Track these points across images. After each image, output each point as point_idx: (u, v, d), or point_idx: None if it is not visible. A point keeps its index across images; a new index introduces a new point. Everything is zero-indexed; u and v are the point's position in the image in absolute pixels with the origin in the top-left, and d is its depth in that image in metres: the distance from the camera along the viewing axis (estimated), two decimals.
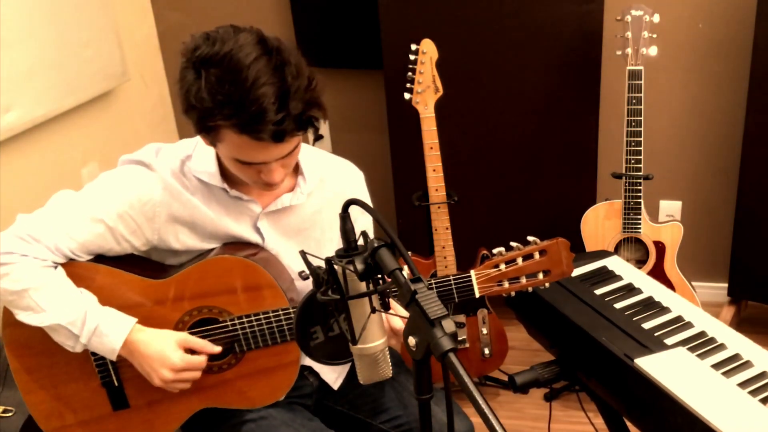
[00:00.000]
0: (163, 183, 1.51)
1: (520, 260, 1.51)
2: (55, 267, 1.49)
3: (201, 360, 1.51)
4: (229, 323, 1.53)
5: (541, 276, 1.52)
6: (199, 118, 1.35)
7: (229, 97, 1.30)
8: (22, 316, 1.47)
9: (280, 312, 1.52)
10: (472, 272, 1.52)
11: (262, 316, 1.52)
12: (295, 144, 1.41)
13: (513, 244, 1.53)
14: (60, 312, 1.46)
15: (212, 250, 1.57)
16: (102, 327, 1.47)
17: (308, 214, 1.63)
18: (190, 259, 1.58)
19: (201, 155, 1.54)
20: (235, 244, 1.58)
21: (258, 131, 1.32)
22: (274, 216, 1.60)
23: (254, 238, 1.59)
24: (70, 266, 1.51)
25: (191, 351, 1.51)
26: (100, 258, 1.54)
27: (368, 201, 1.68)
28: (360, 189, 1.69)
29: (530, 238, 1.52)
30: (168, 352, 1.48)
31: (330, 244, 1.65)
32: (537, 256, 1.51)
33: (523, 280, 1.52)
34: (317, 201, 1.64)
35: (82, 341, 1.47)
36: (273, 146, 1.37)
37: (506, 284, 1.52)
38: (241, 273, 1.52)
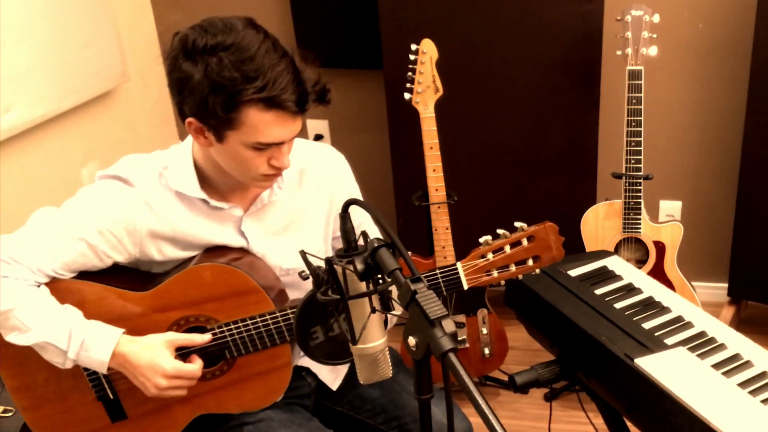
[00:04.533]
0: (142, 197, 1.50)
1: (507, 248, 1.48)
2: (38, 286, 1.48)
3: (194, 368, 1.49)
4: (217, 331, 1.52)
5: (531, 262, 1.49)
6: (228, 96, 1.33)
7: (256, 72, 1.32)
8: (10, 337, 1.47)
9: (267, 316, 1.51)
10: (459, 264, 1.50)
11: (249, 322, 1.51)
12: (301, 124, 1.44)
13: (500, 231, 1.50)
14: (45, 329, 1.45)
15: (195, 257, 1.56)
16: (88, 341, 1.46)
17: (292, 206, 1.62)
18: (176, 267, 1.57)
19: (178, 167, 1.52)
20: (216, 250, 1.56)
21: (285, 101, 1.35)
22: (257, 216, 1.59)
23: (239, 242, 1.58)
24: (54, 284, 1.50)
25: (182, 349, 1.51)
26: (83, 273, 1.53)
27: (354, 183, 1.69)
28: (343, 173, 1.68)
29: (517, 224, 1.49)
30: (158, 360, 1.46)
31: (317, 233, 1.64)
32: (525, 242, 1.48)
33: (513, 268, 1.49)
34: (300, 192, 1.62)
35: (71, 357, 1.46)
36: (292, 121, 1.39)
37: (495, 273, 1.49)
38: (225, 279, 1.51)
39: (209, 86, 1.33)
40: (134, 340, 1.48)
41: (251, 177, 1.48)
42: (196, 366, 1.50)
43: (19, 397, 1.56)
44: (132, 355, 1.46)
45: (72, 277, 1.52)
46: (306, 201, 1.63)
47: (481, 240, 1.50)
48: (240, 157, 1.43)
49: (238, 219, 1.57)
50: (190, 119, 1.40)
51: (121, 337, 1.47)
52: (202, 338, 1.51)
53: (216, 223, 1.56)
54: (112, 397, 1.56)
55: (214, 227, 1.55)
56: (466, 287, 1.51)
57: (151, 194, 1.51)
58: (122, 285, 1.53)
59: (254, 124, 1.37)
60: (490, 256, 1.48)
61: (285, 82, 1.34)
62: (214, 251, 1.56)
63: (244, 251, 1.58)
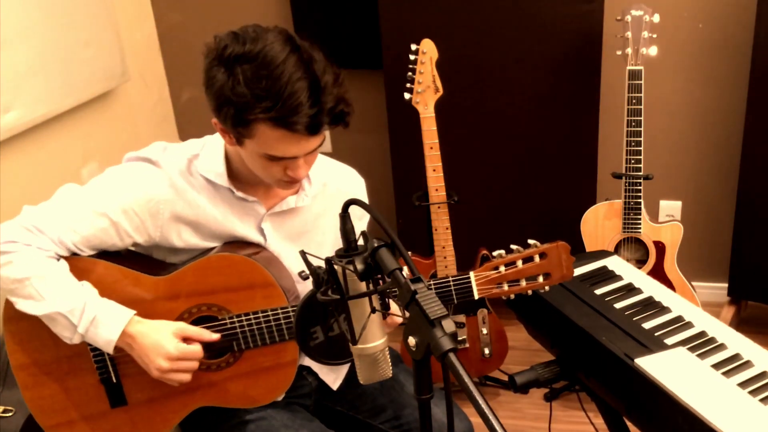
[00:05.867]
0: (169, 181, 1.52)
1: (520, 263, 1.51)
2: (58, 259, 1.50)
3: (196, 349, 1.50)
4: (227, 321, 1.53)
5: (541, 279, 1.52)
6: (237, 112, 1.36)
7: (267, 91, 1.33)
8: (22, 305, 1.47)
9: (279, 311, 1.52)
10: (472, 274, 1.52)
11: (261, 315, 1.52)
12: (322, 139, 1.45)
13: (513, 246, 1.53)
14: (60, 300, 1.46)
15: (213, 248, 1.58)
16: (100, 318, 1.47)
17: (311, 217, 1.64)
18: (191, 257, 1.58)
19: (209, 155, 1.55)
20: (236, 243, 1.58)
21: (294, 123, 1.35)
22: (278, 217, 1.61)
23: (257, 238, 1.60)
24: (72, 261, 1.51)
25: (189, 340, 1.51)
26: (101, 254, 1.54)
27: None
28: (361, 195, 1.70)
29: (531, 241, 1.53)
30: (163, 342, 1.47)
31: (331, 247, 1.65)
32: (537, 259, 1.51)
33: (523, 283, 1.52)
34: (320, 205, 1.65)
35: (80, 331, 1.47)
36: (305, 140, 1.40)
37: (506, 286, 1.52)
38: (242, 271, 1.52)
39: (224, 98, 1.36)
40: (144, 321, 1.50)
41: (270, 180, 1.51)
42: (197, 346, 1.50)
43: (22, 375, 1.56)
44: (139, 336, 1.48)
45: (89, 256, 1.53)
46: (324, 214, 1.65)
47: (495, 253, 1.53)
48: (256, 163, 1.47)
49: (260, 216, 1.59)
50: (214, 120, 1.44)
51: (132, 317, 1.49)
52: (211, 336, 1.52)
53: (238, 214, 1.58)
54: (115, 380, 1.57)
55: (235, 219, 1.57)
56: (476, 297, 1.52)
57: (178, 177, 1.53)
58: (138, 268, 1.54)
59: (264, 138, 1.39)
60: (502, 269, 1.51)
61: (298, 103, 1.34)
62: (233, 244, 1.58)
63: (261, 248, 1.60)
